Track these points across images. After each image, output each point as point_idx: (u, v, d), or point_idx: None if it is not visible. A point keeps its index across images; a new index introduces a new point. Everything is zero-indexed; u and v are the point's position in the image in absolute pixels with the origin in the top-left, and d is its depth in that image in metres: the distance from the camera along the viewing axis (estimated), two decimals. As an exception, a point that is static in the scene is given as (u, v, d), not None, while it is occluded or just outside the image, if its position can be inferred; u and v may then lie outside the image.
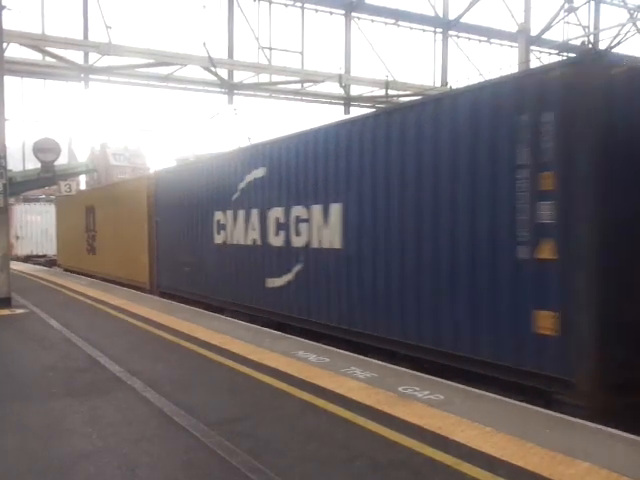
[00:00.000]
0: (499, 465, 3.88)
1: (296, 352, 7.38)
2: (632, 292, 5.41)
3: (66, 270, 24.28)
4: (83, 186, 53.16)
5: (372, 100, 20.80)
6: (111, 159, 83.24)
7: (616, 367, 5.37)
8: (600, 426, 4.68)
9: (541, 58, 23.44)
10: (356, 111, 20.47)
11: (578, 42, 22.84)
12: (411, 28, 22.19)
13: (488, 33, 23.42)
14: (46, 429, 4.79)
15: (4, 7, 12.15)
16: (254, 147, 11.57)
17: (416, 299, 7.25)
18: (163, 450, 4.34)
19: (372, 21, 21.48)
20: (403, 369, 6.59)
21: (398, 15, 21.72)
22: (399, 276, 7.50)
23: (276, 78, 19.70)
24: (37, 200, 36.03)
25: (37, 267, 25.98)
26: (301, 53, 20.20)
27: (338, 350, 7.63)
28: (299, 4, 20.22)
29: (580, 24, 23.41)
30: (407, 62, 21.54)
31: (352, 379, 6.07)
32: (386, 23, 21.69)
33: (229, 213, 11.66)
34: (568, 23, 23.13)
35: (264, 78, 19.66)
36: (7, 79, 13.01)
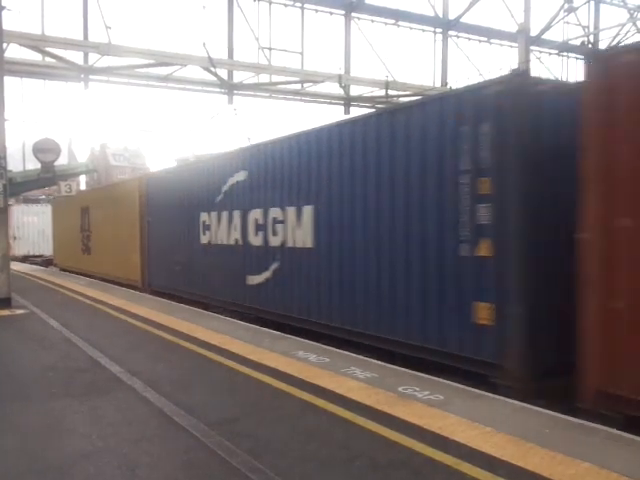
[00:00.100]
0: (499, 465, 3.89)
1: (296, 352, 7.38)
2: (557, 287, 5.92)
3: (62, 270, 24.67)
4: (83, 186, 53.17)
5: (372, 100, 20.80)
6: (111, 159, 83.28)
7: (542, 353, 5.97)
8: (600, 426, 4.68)
9: (541, 58, 23.44)
10: (356, 111, 20.47)
11: (578, 42, 22.85)
12: (411, 28, 22.17)
13: (488, 33, 23.41)
14: (46, 429, 4.80)
15: (4, 7, 12.15)
16: (236, 152, 12.15)
17: (377, 294, 7.88)
18: (163, 450, 4.35)
19: (372, 21, 21.46)
20: (403, 369, 6.59)
21: (398, 15, 21.71)
22: (362, 273, 8.16)
23: (276, 78, 19.69)
24: (37, 201, 36.15)
25: (34, 267, 26.37)
26: (301, 53, 20.18)
27: (338, 350, 7.63)
28: (299, 4, 20.22)
29: (580, 24, 23.40)
30: (407, 62, 21.53)
31: (352, 379, 6.08)
32: (386, 23, 21.68)
33: (213, 214, 12.27)
34: (568, 23, 23.12)
35: (264, 78, 19.66)
36: (7, 79, 13.01)
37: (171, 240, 14.48)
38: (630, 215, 5.07)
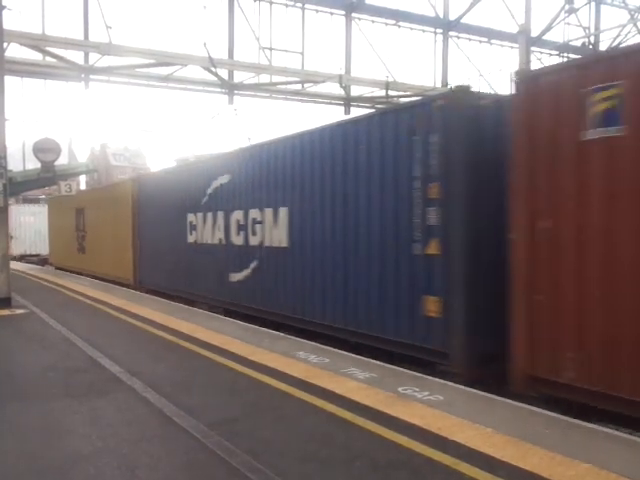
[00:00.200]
0: (498, 466, 3.89)
1: (296, 352, 7.39)
2: (496, 282, 6.31)
3: (57, 268, 25.25)
4: (83, 186, 53.14)
5: (372, 101, 20.80)
6: (111, 159, 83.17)
7: (482, 342, 6.56)
8: (599, 427, 4.69)
9: (542, 59, 23.44)
10: (356, 111, 20.47)
11: (579, 43, 22.84)
12: (411, 29, 22.18)
13: (488, 34, 23.41)
14: (46, 429, 4.80)
15: (4, 7, 12.16)
16: (220, 156, 13.10)
17: (343, 290, 8.52)
18: (163, 451, 4.35)
19: (372, 22, 21.47)
20: (403, 370, 6.59)
21: (398, 16, 21.71)
22: (331, 270, 8.78)
23: (276, 78, 19.70)
24: (37, 200, 36.23)
25: (32, 266, 26.83)
26: (301, 53, 20.19)
27: (338, 351, 7.64)
28: (300, 4, 20.22)
29: (581, 25, 23.39)
30: (407, 63, 21.54)
31: (352, 379, 6.08)
32: (386, 24, 21.69)
33: (199, 215, 12.92)
34: (569, 24, 23.11)
35: (264, 78, 19.66)
36: (7, 79, 13.01)
37: (161, 240, 15.04)
38: (548, 217, 5.70)
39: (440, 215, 6.90)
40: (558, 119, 5.64)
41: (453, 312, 6.75)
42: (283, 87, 20.06)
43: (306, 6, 20.33)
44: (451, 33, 22.80)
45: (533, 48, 21.76)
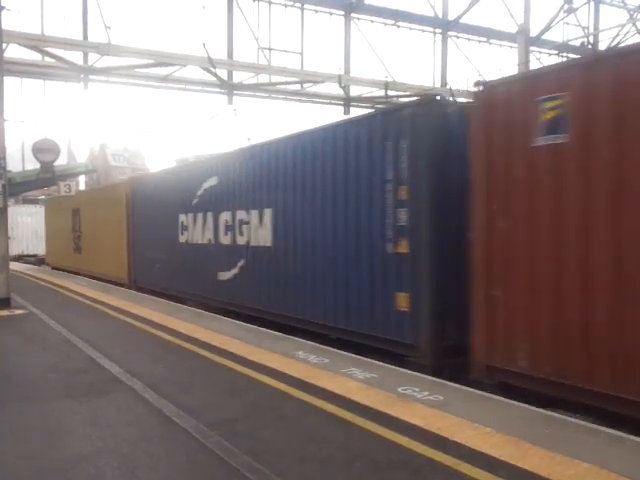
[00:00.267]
0: (499, 466, 3.89)
1: (296, 353, 7.39)
2: (460, 279, 6.62)
3: (54, 268, 25.51)
4: (83, 187, 53.13)
5: (371, 101, 20.80)
6: (110, 160, 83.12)
7: (445, 335, 7.04)
8: (599, 427, 4.69)
9: (541, 59, 23.46)
10: (356, 111, 20.48)
11: (578, 43, 22.87)
12: (410, 29, 22.20)
13: (488, 34, 23.43)
14: (46, 430, 4.80)
15: (3, 7, 12.15)
16: (209, 159, 13.71)
17: (322, 288, 8.92)
18: (163, 451, 4.35)
19: (372, 22, 21.49)
20: (403, 370, 6.60)
21: (398, 16, 21.73)
22: (311, 269, 9.21)
23: (276, 79, 19.70)
24: (37, 201, 36.22)
25: (29, 266, 27.11)
26: (301, 54, 20.20)
27: (338, 351, 7.64)
28: (299, 5, 20.23)
29: (580, 25, 23.42)
30: (407, 63, 21.56)
31: (352, 380, 6.08)
32: (385, 24, 21.70)
33: (190, 216, 13.31)
34: (568, 24, 23.14)
35: (264, 78, 19.66)
36: (6, 79, 13.01)
37: (154, 240, 15.40)
38: (503, 218, 6.11)
39: (409, 216, 7.33)
40: (512, 126, 6.03)
41: (421, 307, 7.19)
42: (282, 87, 20.06)
43: (305, 6, 20.34)
44: (450, 33, 22.82)
45: (532, 48, 21.81)
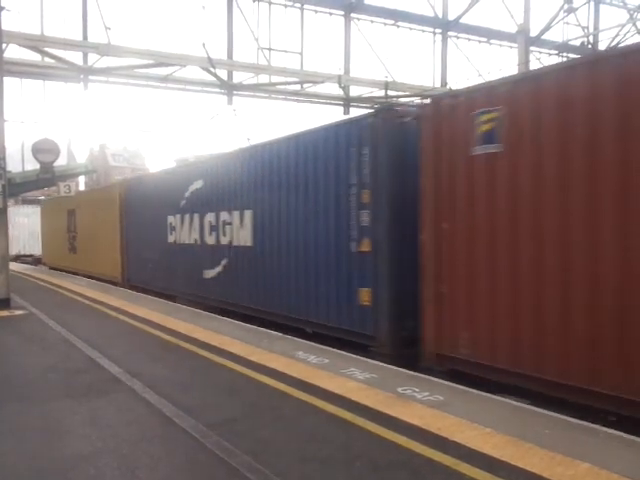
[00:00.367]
0: (499, 466, 3.89)
1: (295, 353, 7.39)
2: (415, 275, 7.21)
3: (51, 268, 25.94)
4: (82, 187, 53.10)
5: (371, 101, 20.78)
6: (110, 160, 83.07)
7: (401, 327, 7.64)
8: (599, 427, 4.68)
9: (541, 59, 23.44)
10: (356, 112, 20.47)
11: (578, 43, 22.85)
12: (410, 29, 22.17)
13: (488, 34, 23.40)
14: (46, 430, 4.80)
15: (3, 8, 12.15)
16: (195, 163, 14.83)
17: (296, 284, 9.57)
18: (163, 451, 4.35)
19: (371, 22, 21.46)
20: (403, 370, 6.59)
21: (397, 16, 21.70)
22: (286, 267, 9.84)
23: (275, 79, 19.68)
24: (37, 202, 36.23)
25: (26, 266, 27.48)
26: (300, 54, 20.18)
27: (337, 351, 7.64)
28: (298, 5, 20.22)
29: (580, 25, 23.40)
30: (406, 63, 21.53)
31: (351, 380, 6.08)
32: (385, 24, 21.67)
33: (178, 217, 13.98)
34: (568, 24, 23.11)
35: (263, 79, 19.65)
36: (6, 80, 13.00)
37: (146, 240, 16.01)
38: (448, 220, 6.75)
39: (371, 217, 7.96)
40: (454, 137, 6.67)
41: (380, 301, 7.83)
42: (282, 87, 20.04)
43: (305, 6, 20.33)
44: (450, 33, 22.79)
45: (532, 48, 21.77)
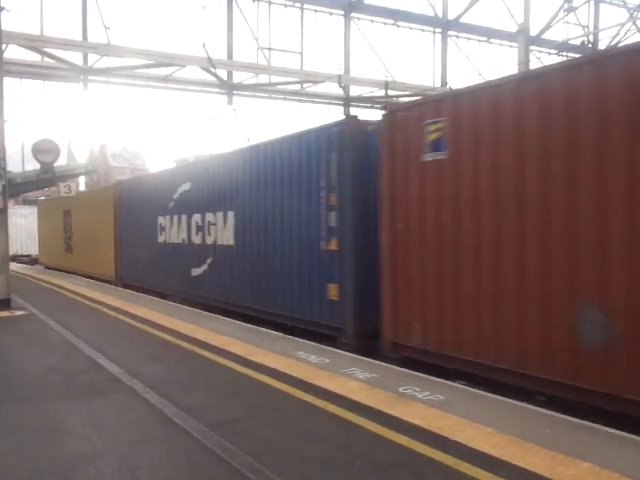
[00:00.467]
0: (499, 465, 3.88)
1: (296, 353, 7.38)
2: (377, 272, 7.75)
3: (47, 268, 26.30)
4: (83, 187, 53.04)
5: (371, 100, 20.81)
6: (110, 160, 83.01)
7: (366, 320, 8.15)
8: (600, 426, 4.68)
9: (541, 58, 23.44)
10: (356, 111, 20.50)
11: (578, 42, 22.85)
12: (410, 28, 22.19)
13: (488, 33, 23.41)
14: (46, 430, 4.79)
15: (3, 8, 12.14)
16: (184, 166, 15.66)
17: (273, 281, 10.18)
18: (163, 451, 4.34)
19: (371, 21, 21.49)
20: (403, 370, 6.59)
21: (397, 15, 21.72)
22: (264, 264, 10.41)
23: (275, 79, 19.70)
24: (37, 202, 36.26)
25: (24, 266, 27.76)
26: (300, 54, 20.20)
27: (338, 351, 7.64)
28: (298, 4, 20.23)
29: (580, 24, 23.40)
30: (406, 62, 21.55)
31: (352, 380, 6.07)
32: (385, 23, 21.70)
33: (167, 218, 14.53)
34: (568, 23, 23.13)
35: (263, 79, 19.66)
36: (6, 80, 12.99)
37: (138, 240, 16.52)
38: (402, 221, 7.36)
39: (337, 218, 8.54)
40: (408, 144, 7.26)
41: (347, 296, 8.38)
42: (282, 87, 20.06)
43: (305, 6, 20.34)
44: (450, 32, 22.81)
45: (532, 47, 21.79)
